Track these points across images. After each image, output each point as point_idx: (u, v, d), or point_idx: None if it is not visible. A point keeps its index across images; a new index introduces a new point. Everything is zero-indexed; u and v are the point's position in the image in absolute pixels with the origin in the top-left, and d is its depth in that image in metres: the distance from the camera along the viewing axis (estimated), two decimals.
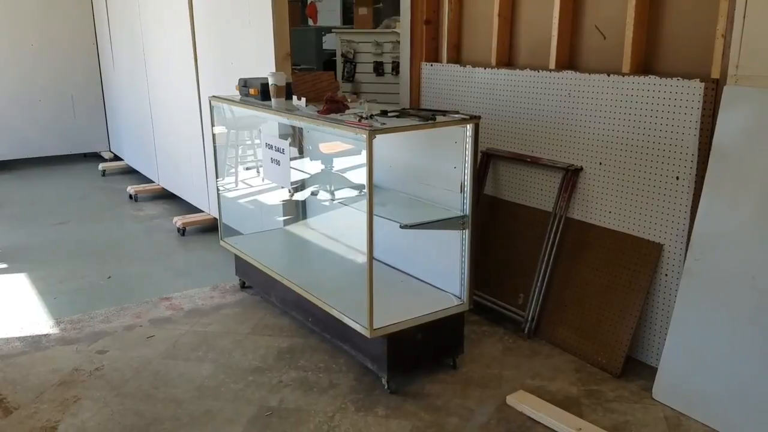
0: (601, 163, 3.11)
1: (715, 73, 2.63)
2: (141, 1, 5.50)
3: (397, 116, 2.86)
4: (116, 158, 7.26)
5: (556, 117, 3.29)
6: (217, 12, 4.32)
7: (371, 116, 2.79)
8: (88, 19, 7.04)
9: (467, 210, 2.91)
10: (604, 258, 3.10)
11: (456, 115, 2.82)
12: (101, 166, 6.90)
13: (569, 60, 3.33)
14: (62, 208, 5.69)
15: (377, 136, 2.50)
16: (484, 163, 3.67)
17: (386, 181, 3.35)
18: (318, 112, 2.99)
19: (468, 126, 2.79)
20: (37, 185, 6.46)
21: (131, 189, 5.94)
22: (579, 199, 3.23)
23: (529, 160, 3.43)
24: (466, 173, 2.87)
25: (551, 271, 3.28)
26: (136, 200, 5.86)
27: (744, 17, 2.47)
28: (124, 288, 3.98)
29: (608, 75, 3.02)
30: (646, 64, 2.99)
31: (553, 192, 3.35)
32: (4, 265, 4.34)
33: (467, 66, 3.79)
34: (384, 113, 2.89)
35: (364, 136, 2.49)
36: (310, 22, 9.34)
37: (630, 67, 2.96)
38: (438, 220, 2.94)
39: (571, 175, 3.23)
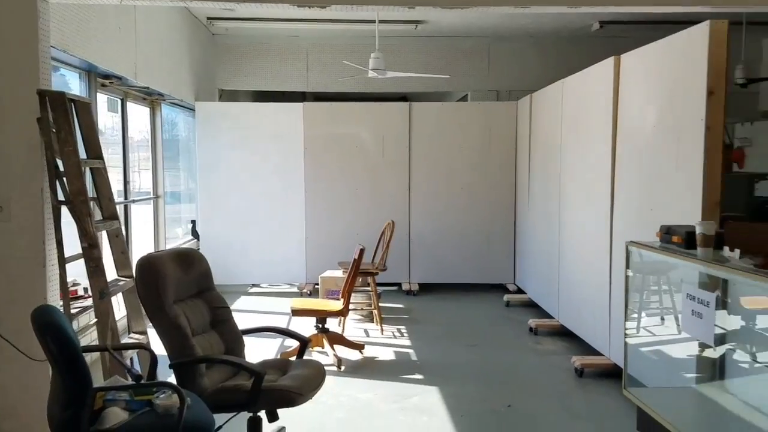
0: None
1: None
2: (563, 146, 5.91)
3: None
4: (519, 291, 7.69)
5: None
6: (640, 157, 4.36)
7: None
8: (510, 164, 7.88)
9: None
10: None
11: None
12: (506, 297, 7.37)
13: None
14: (472, 331, 6.22)
15: None
16: None
17: None
18: (754, 265, 2.72)
19: None
20: (452, 308, 7.21)
21: (532, 322, 6.17)
22: None
23: None
24: None
25: None
26: (535, 334, 6.05)
27: None
28: (522, 421, 4.06)
29: None
30: None
31: None
32: (420, 376, 4.87)
33: None
34: None
35: None
36: (735, 167, 8.72)
37: None
38: None
39: None
